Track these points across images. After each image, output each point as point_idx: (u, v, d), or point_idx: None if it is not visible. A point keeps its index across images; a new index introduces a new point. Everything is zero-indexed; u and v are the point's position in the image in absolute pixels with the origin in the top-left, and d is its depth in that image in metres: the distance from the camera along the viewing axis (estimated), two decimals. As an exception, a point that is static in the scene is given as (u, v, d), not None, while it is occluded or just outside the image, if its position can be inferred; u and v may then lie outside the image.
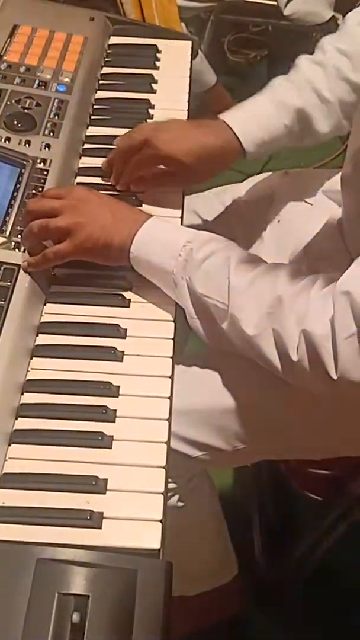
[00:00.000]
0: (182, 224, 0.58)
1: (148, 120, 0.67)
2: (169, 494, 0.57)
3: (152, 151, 0.56)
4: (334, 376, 0.42)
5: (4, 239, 0.51)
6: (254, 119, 0.59)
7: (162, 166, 0.58)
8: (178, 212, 0.59)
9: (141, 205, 0.58)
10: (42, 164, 0.57)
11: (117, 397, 0.46)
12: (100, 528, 0.39)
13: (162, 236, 0.51)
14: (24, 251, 0.51)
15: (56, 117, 0.62)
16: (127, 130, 0.64)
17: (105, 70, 0.73)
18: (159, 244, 0.50)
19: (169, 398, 0.46)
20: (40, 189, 0.55)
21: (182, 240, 0.50)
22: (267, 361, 0.46)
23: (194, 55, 0.76)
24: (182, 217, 0.58)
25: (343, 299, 0.42)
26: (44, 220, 0.50)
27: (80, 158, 0.63)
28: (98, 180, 0.61)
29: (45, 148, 0.59)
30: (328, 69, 0.60)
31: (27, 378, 0.47)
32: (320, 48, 0.62)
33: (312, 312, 0.43)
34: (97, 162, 0.63)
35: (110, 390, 0.46)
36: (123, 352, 0.48)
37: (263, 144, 0.59)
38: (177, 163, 0.56)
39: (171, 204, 0.59)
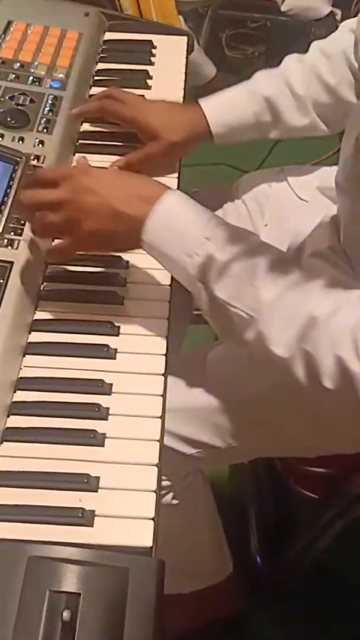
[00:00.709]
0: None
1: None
2: (164, 492, 0.57)
3: (129, 112, 0.59)
4: None
5: (-3, 236, 0.51)
6: (224, 103, 0.62)
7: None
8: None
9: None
10: (35, 160, 0.57)
11: (110, 394, 0.45)
12: (92, 526, 0.39)
13: (177, 225, 0.44)
14: (16, 248, 0.51)
15: (50, 113, 0.62)
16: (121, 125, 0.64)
17: (100, 66, 0.72)
18: (173, 234, 0.44)
19: (162, 395, 0.46)
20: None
21: (199, 235, 0.44)
22: (295, 382, 0.42)
23: (189, 50, 0.76)
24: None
25: None
26: (40, 215, 0.46)
27: (74, 155, 0.63)
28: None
29: (39, 145, 0.58)
30: (305, 66, 0.62)
31: (20, 376, 0.46)
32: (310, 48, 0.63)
33: (349, 339, 0.38)
34: (91, 158, 0.62)
35: (103, 387, 0.46)
36: (116, 349, 0.48)
37: (230, 128, 0.61)
38: (149, 130, 0.59)
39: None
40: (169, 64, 0.72)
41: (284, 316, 0.41)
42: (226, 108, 0.61)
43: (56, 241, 0.49)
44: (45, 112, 0.62)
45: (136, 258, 0.53)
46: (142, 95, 0.68)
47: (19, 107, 0.61)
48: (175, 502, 0.60)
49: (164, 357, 0.48)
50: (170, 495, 0.59)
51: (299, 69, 0.62)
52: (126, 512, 0.40)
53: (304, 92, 0.61)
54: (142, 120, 0.59)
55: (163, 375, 0.47)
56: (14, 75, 0.65)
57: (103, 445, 0.43)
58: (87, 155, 0.62)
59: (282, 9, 1.33)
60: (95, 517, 0.39)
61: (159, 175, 0.62)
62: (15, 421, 0.44)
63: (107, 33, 0.75)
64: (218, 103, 0.62)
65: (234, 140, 0.63)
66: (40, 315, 0.50)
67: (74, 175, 0.47)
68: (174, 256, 0.44)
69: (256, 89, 0.62)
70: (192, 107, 0.62)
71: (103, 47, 0.74)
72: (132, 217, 0.44)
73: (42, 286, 0.52)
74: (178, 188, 0.60)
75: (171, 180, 0.61)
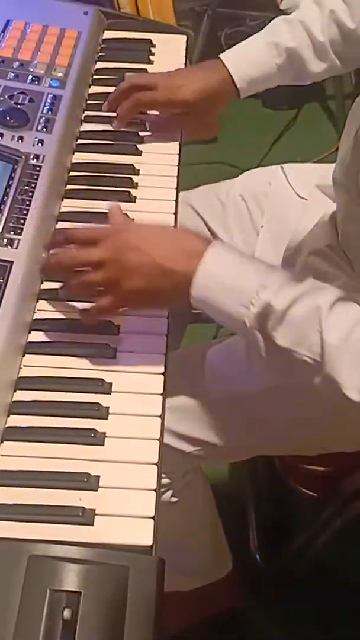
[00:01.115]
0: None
1: (142, 116, 0.67)
2: (163, 490, 0.57)
3: (164, 96, 0.61)
4: None
5: (-3, 236, 0.51)
6: (247, 58, 0.63)
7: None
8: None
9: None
10: (35, 160, 0.57)
11: (110, 394, 0.45)
12: (92, 525, 0.39)
13: (228, 279, 0.43)
14: (16, 247, 0.51)
15: (49, 112, 0.62)
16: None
17: (99, 64, 0.72)
18: (224, 289, 0.43)
19: (162, 395, 0.46)
20: (33, 185, 0.55)
21: (252, 285, 0.42)
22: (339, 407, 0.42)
23: (188, 49, 0.76)
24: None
25: None
26: (81, 276, 0.45)
27: (73, 154, 0.63)
28: (91, 173, 0.60)
29: (38, 144, 0.58)
30: (325, 10, 0.62)
31: (20, 375, 0.46)
32: None
33: None
34: (91, 157, 0.63)
35: (103, 387, 0.46)
36: (116, 348, 0.48)
37: (255, 81, 0.63)
38: (186, 104, 0.61)
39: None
40: (168, 62, 0.72)
41: (354, 357, 0.40)
42: (250, 63, 0.62)
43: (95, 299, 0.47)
44: (45, 111, 0.62)
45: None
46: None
47: (19, 106, 0.61)
48: (174, 500, 0.60)
49: (163, 356, 0.48)
50: (170, 493, 0.59)
51: (317, 14, 0.62)
52: (126, 510, 0.40)
53: (324, 38, 0.62)
54: (177, 99, 0.61)
55: (163, 374, 0.47)
56: (13, 74, 0.65)
57: (103, 444, 0.43)
58: (87, 154, 0.63)
59: (281, 7, 1.33)
60: (96, 516, 0.40)
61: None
62: (16, 420, 0.44)
63: (106, 32, 0.75)
64: (240, 59, 0.62)
65: (256, 90, 0.64)
66: (40, 314, 0.50)
67: (114, 233, 0.46)
68: (228, 309, 0.43)
69: (278, 42, 0.62)
70: (215, 66, 0.62)
71: (102, 45, 0.74)
72: (180, 273, 0.43)
73: (42, 286, 0.52)
74: (177, 187, 0.60)
75: (170, 179, 0.61)
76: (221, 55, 0.63)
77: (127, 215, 0.51)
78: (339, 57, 0.63)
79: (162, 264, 0.44)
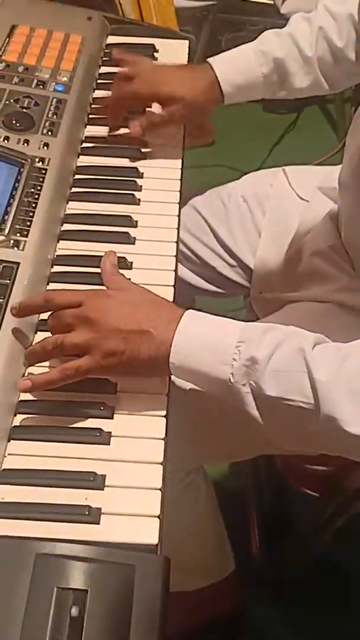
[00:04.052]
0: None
1: (147, 110, 0.67)
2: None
3: (146, 88, 0.61)
4: None
5: (3, 237, 0.51)
6: (234, 63, 0.63)
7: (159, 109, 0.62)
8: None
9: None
10: (40, 162, 0.58)
11: (115, 394, 0.46)
12: (98, 523, 0.40)
13: (206, 338, 0.42)
14: (22, 249, 0.51)
15: (54, 116, 0.62)
16: (125, 128, 0.65)
17: (103, 69, 0.73)
18: (204, 348, 0.42)
19: (166, 395, 0.46)
20: (38, 188, 0.55)
21: (231, 340, 0.41)
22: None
23: (190, 54, 0.77)
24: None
25: None
26: (59, 337, 0.44)
27: (78, 157, 0.63)
28: (96, 176, 0.61)
29: (43, 147, 0.59)
30: (314, 27, 0.62)
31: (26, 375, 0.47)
32: (318, 6, 0.64)
33: None
34: (96, 161, 0.63)
35: (108, 387, 0.46)
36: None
37: (240, 88, 0.62)
38: (170, 99, 0.61)
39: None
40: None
41: (349, 391, 0.38)
42: (237, 69, 0.62)
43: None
44: (50, 115, 0.62)
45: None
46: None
47: (24, 110, 0.62)
48: (176, 500, 0.60)
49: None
50: (172, 493, 0.59)
51: (307, 30, 0.62)
52: (132, 509, 0.41)
53: (312, 54, 0.62)
54: (161, 92, 0.61)
55: (167, 376, 0.47)
56: (18, 79, 0.66)
57: (109, 444, 0.43)
58: (91, 158, 0.63)
59: (282, 11, 1.34)
60: (102, 515, 0.40)
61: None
62: (22, 420, 0.44)
63: (109, 37, 0.76)
64: (228, 63, 0.62)
65: (241, 99, 0.64)
66: (46, 315, 0.50)
67: (95, 295, 0.45)
68: (209, 370, 0.42)
69: (267, 51, 0.62)
70: (203, 68, 0.63)
71: (106, 50, 0.75)
72: (158, 338, 0.42)
73: (48, 286, 0.52)
74: (180, 189, 0.61)
75: (174, 182, 0.62)
76: (209, 59, 0.63)
77: (125, 259, 0.51)
78: (325, 75, 0.63)
79: (140, 328, 0.43)
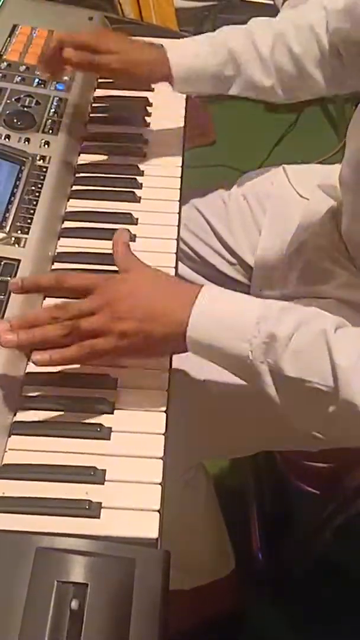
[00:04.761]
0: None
1: (146, 118, 0.68)
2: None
3: (86, 58, 0.58)
4: None
5: (4, 235, 0.52)
6: (188, 49, 0.61)
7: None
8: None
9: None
10: (41, 161, 0.58)
11: (115, 389, 0.46)
12: (98, 518, 0.40)
13: (225, 315, 0.42)
14: (23, 246, 0.51)
15: (55, 115, 0.63)
16: (125, 127, 0.65)
17: (104, 68, 0.73)
18: (222, 324, 0.41)
19: (167, 390, 0.46)
20: (39, 186, 0.56)
21: (251, 318, 0.41)
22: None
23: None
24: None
25: None
26: (74, 322, 0.43)
27: (79, 155, 0.64)
28: (96, 174, 0.61)
29: (44, 145, 0.59)
30: (273, 30, 0.61)
31: (27, 371, 0.47)
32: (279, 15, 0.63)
33: None
34: (96, 158, 0.64)
35: (109, 382, 0.46)
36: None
37: (190, 73, 0.60)
38: (109, 70, 0.59)
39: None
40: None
41: None
42: (189, 54, 0.60)
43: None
44: (51, 114, 0.63)
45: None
46: (145, 98, 0.69)
47: (25, 109, 0.62)
48: (176, 497, 0.60)
49: (168, 355, 0.48)
50: (172, 490, 0.60)
51: (266, 31, 0.61)
52: (132, 504, 0.41)
53: (269, 55, 0.60)
54: (100, 62, 0.58)
55: (168, 370, 0.47)
56: (19, 78, 0.66)
57: (109, 439, 0.44)
58: (92, 155, 0.64)
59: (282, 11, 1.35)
60: (102, 509, 0.40)
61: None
62: (23, 415, 0.45)
63: (110, 36, 0.77)
64: (182, 47, 0.61)
65: (193, 89, 0.61)
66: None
67: (109, 280, 0.44)
68: (228, 347, 0.41)
69: (221, 41, 0.60)
70: (156, 47, 0.60)
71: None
72: (173, 318, 0.42)
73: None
74: (181, 188, 0.61)
75: (174, 180, 0.62)
76: (165, 42, 0.61)
77: (131, 254, 0.47)
78: (281, 83, 0.61)
79: (155, 309, 0.42)
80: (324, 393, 0.39)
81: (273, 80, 0.61)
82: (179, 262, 0.56)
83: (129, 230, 0.48)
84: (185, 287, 0.45)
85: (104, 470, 0.42)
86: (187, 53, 0.61)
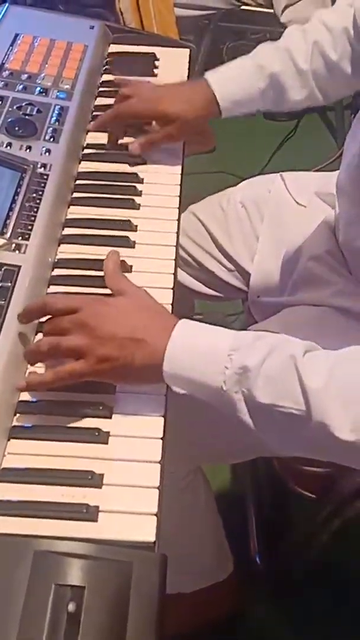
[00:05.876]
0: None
1: (146, 127, 0.69)
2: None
3: (143, 106, 0.62)
4: None
5: (5, 241, 0.52)
6: (232, 79, 0.64)
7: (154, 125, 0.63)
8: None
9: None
10: (42, 168, 0.59)
11: (114, 394, 0.46)
12: (96, 521, 0.40)
13: (199, 347, 0.43)
14: (23, 252, 0.52)
15: (56, 123, 0.63)
16: (126, 137, 0.66)
17: (105, 77, 0.74)
18: (197, 357, 0.43)
19: (165, 395, 0.47)
20: (40, 193, 0.57)
21: (224, 348, 0.42)
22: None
23: (191, 62, 0.78)
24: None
25: None
26: (55, 339, 0.44)
27: (80, 163, 0.64)
28: (96, 182, 0.62)
29: (45, 153, 0.60)
30: (309, 40, 0.63)
31: (27, 375, 0.47)
32: (312, 18, 0.65)
33: None
34: (97, 166, 0.64)
35: (107, 387, 0.47)
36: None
37: (237, 103, 0.64)
38: (165, 117, 0.62)
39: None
40: (172, 75, 0.74)
41: (339, 398, 0.39)
42: (234, 84, 0.63)
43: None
44: (52, 122, 0.63)
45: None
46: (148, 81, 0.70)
47: (27, 117, 0.63)
48: (175, 501, 0.61)
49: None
50: (170, 494, 0.60)
51: (302, 43, 0.63)
52: (129, 507, 0.41)
53: (307, 67, 0.63)
54: (158, 110, 0.63)
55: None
56: (21, 86, 0.67)
57: (107, 443, 0.44)
58: (93, 163, 0.65)
59: (282, 20, 1.36)
60: (100, 513, 0.40)
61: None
62: (22, 419, 0.45)
63: (111, 45, 0.78)
64: (225, 79, 0.63)
65: (238, 112, 0.65)
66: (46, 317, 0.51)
67: (93, 302, 0.46)
68: (202, 377, 0.42)
69: (263, 65, 0.63)
70: (200, 85, 0.64)
71: (107, 59, 0.76)
72: (151, 345, 0.43)
73: (48, 289, 0.53)
74: (180, 194, 0.62)
75: (174, 187, 0.63)
76: (206, 75, 0.64)
77: (124, 262, 0.50)
78: (319, 88, 0.64)
79: (135, 335, 0.43)
80: (298, 417, 0.40)
81: (309, 90, 0.64)
82: (178, 269, 0.57)
83: (118, 253, 0.50)
84: (165, 316, 0.46)
85: (102, 475, 0.42)
86: (231, 85, 0.63)
